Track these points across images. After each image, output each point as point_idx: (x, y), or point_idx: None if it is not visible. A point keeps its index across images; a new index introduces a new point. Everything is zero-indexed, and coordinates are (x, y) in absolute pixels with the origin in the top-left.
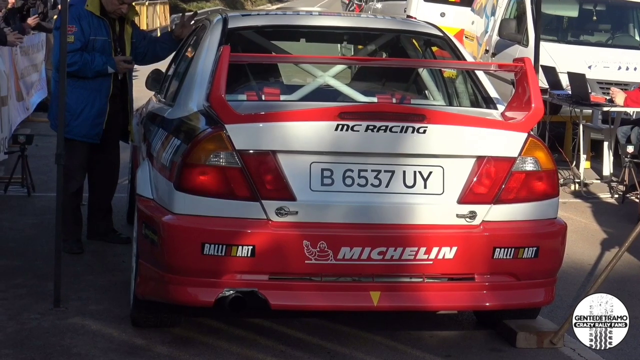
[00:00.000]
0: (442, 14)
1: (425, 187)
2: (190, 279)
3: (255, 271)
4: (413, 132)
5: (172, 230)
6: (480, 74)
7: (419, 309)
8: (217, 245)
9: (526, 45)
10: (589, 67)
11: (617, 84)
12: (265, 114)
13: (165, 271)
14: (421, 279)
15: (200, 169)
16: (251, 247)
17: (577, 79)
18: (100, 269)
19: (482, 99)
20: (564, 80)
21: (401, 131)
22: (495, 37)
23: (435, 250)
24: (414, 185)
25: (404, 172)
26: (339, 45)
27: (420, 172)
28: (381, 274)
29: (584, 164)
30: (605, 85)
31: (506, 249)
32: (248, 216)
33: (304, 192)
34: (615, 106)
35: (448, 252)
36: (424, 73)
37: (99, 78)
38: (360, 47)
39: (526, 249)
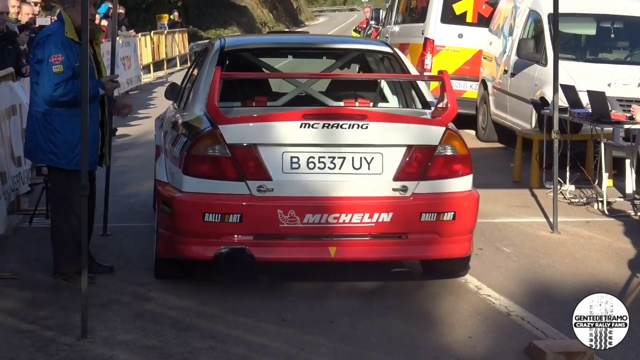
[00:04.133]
0: (460, 35)
1: (369, 169)
2: (195, 239)
3: (243, 233)
4: (358, 128)
5: (181, 204)
6: (421, 84)
7: (365, 260)
8: (214, 214)
9: (545, 65)
10: (609, 84)
11: (638, 101)
12: (248, 117)
13: (177, 234)
14: (367, 237)
15: (201, 158)
16: (239, 215)
17: (597, 97)
18: (127, 299)
19: (421, 102)
20: (584, 99)
21: (349, 128)
22: (513, 57)
23: (376, 215)
24: (360, 168)
25: (353, 157)
26: (316, 59)
27: (365, 158)
28: (336, 234)
29: (606, 182)
30: (625, 103)
31: (431, 214)
32: (236, 192)
33: (277, 174)
34: (636, 123)
35: (386, 217)
36: (383, 82)
37: (89, 105)
38: (332, 61)
39: (446, 213)
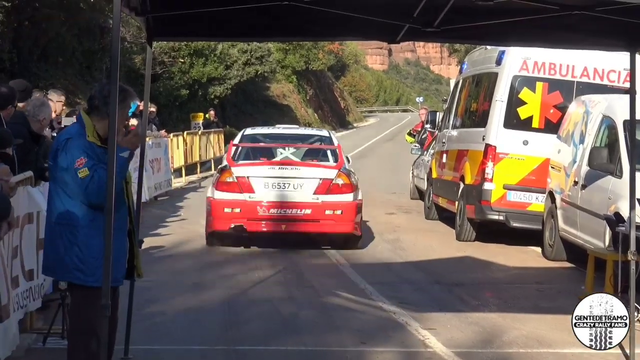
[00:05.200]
0: (525, 142)
1: (301, 189)
2: (220, 220)
3: (242, 218)
4: (295, 169)
5: (213, 203)
6: (341, 150)
7: (301, 232)
8: (228, 208)
9: (620, 176)
10: None
11: None
12: (246, 163)
13: (212, 218)
14: (300, 221)
15: (223, 183)
16: (239, 209)
17: None
18: None
19: (335, 160)
20: None
21: (291, 169)
22: (584, 168)
23: (304, 211)
24: (297, 188)
25: (293, 183)
26: (302, 141)
27: (299, 184)
28: (285, 219)
29: None
30: None
31: (330, 210)
32: (239, 199)
33: (258, 190)
34: None
35: (308, 212)
36: (328, 151)
37: (115, 214)
38: (306, 140)
39: (337, 210)
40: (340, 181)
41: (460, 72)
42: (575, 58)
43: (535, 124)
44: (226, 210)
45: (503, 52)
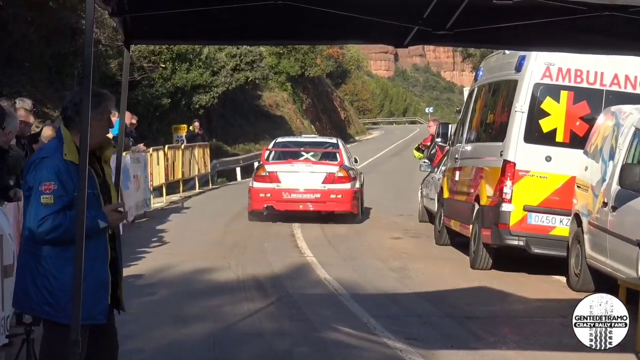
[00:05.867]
0: (548, 158)
1: (313, 179)
2: (256, 202)
3: (272, 200)
4: (310, 165)
5: (252, 191)
6: (342, 152)
7: (313, 211)
8: (262, 193)
9: None
10: None
11: None
12: (275, 162)
13: (251, 201)
14: (312, 202)
15: (259, 176)
16: (270, 193)
17: None
18: None
19: (337, 158)
20: None
21: (307, 166)
22: (615, 187)
23: (315, 195)
24: (310, 180)
25: (308, 176)
26: (319, 147)
27: (312, 176)
28: (302, 201)
29: None
30: None
31: (334, 194)
32: (270, 187)
33: (285, 180)
34: None
35: (319, 196)
36: (337, 153)
37: (92, 242)
38: (323, 145)
39: (338, 194)
40: (340, 174)
41: (475, 79)
42: (605, 64)
43: (559, 137)
44: (261, 195)
45: (523, 58)
